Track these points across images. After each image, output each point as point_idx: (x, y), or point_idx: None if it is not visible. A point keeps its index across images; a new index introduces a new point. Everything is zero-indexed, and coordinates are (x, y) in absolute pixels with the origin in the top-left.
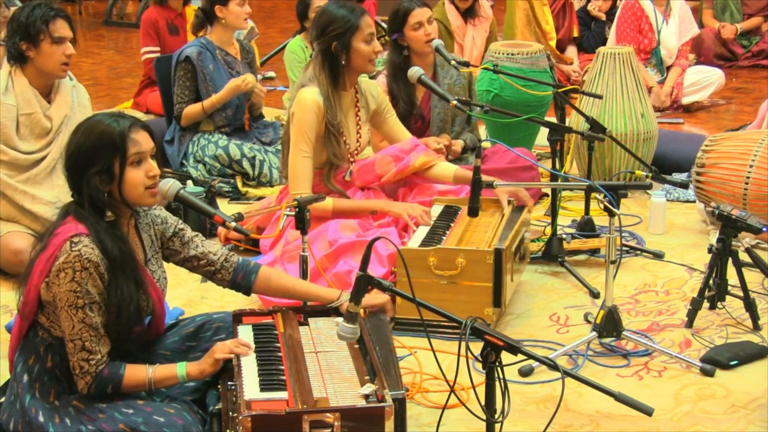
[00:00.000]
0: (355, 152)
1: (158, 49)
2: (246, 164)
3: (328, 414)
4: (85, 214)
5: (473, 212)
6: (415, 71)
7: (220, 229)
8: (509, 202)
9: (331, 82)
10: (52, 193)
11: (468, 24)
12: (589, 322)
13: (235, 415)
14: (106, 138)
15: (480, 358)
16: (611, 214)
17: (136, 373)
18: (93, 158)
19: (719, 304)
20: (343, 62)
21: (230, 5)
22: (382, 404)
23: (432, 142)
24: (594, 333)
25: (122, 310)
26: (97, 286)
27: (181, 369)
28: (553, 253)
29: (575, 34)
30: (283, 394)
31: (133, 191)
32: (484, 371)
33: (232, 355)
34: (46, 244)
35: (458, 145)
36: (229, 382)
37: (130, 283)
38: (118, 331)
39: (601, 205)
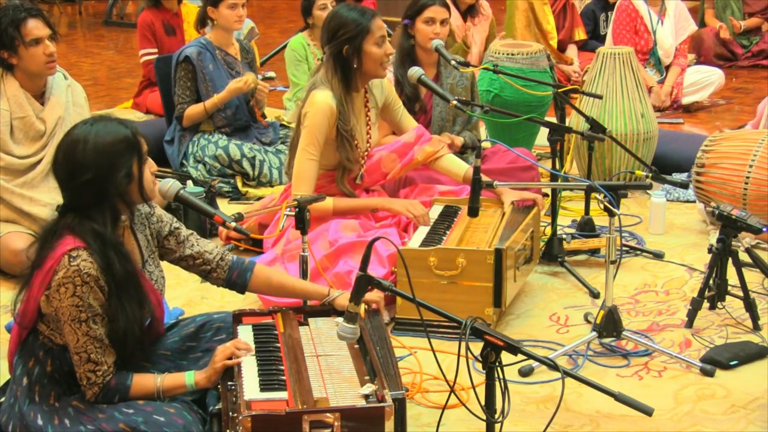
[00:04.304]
0: (365, 153)
1: (156, 50)
2: (246, 164)
3: (328, 414)
4: (96, 227)
5: (473, 212)
6: (414, 71)
7: (221, 229)
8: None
9: (343, 86)
10: (49, 195)
11: (468, 23)
12: (589, 322)
13: (235, 415)
14: (125, 141)
15: (480, 358)
16: (611, 214)
17: (143, 382)
18: (117, 163)
19: (719, 304)
20: (355, 66)
21: (221, 8)
22: (382, 404)
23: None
24: (594, 333)
25: (128, 333)
26: (99, 299)
27: (189, 378)
28: (553, 253)
29: (581, 36)
30: (283, 394)
31: (149, 188)
32: (484, 371)
33: (234, 362)
34: (44, 257)
35: (459, 140)
36: (229, 382)
37: (134, 303)
38: (122, 347)
39: (601, 205)
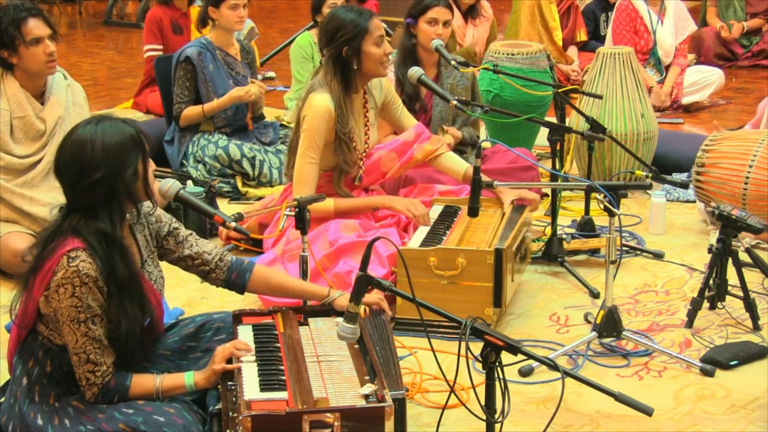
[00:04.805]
0: (364, 155)
1: (161, 47)
2: (246, 164)
3: (328, 414)
4: (102, 227)
5: (473, 212)
6: (414, 71)
7: (221, 229)
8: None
9: (342, 89)
10: (50, 195)
11: (468, 24)
12: (589, 322)
13: (235, 415)
14: (131, 139)
15: (480, 358)
16: (611, 214)
17: (143, 382)
18: (126, 161)
19: (719, 304)
20: (355, 67)
21: (222, 8)
22: (382, 404)
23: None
24: (594, 333)
25: (129, 334)
26: (98, 299)
27: (188, 379)
28: (553, 253)
29: (583, 38)
30: (283, 395)
31: (152, 186)
32: (484, 371)
33: (233, 366)
34: (43, 257)
35: (458, 133)
36: (229, 382)
37: (135, 304)
38: (123, 348)
39: (601, 205)
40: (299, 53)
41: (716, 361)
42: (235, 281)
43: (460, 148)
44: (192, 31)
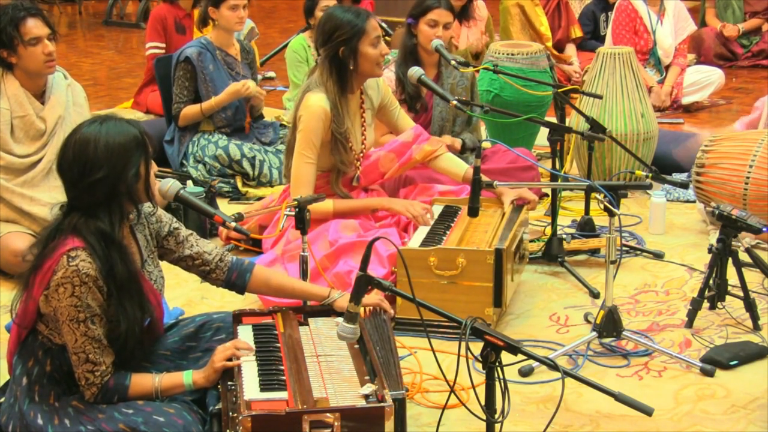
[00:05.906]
0: (361, 155)
1: (164, 45)
2: (246, 164)
3: (328, 414)
4: (102, 226)
5: (473, 212)
6: (414, 71)
7: (221, 229)
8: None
9: (338, 89)
10: (50, 194)
11: (462, 26)
12: (589, 322)
13: (235, 415)
14: (135, 140)
15: (480, 358)
16: (611, 214)
17: (142, 382)
18: (128, 162)
19: (719, 304)
20: (351, 67)
21: (222, 9)
22: (382, 404)
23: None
24: (594, 333)
25: (128, 334)
26: (97, 299)
27: (187, 377)
28: (553, 253)
29: (578, 33)
30: (283, 395)
31: (154, 187)
32: (484, 371)
33: (233, 364)
34: (44, 256)
35: (457, 142)
36: (229, 382)
37: (134, 304)
38: (122, 347)
39: (601, 205)
40: (293, 57)
41: (716, 361)
42: (236, 281)
43: (461, 154)
44: (195, 32)
